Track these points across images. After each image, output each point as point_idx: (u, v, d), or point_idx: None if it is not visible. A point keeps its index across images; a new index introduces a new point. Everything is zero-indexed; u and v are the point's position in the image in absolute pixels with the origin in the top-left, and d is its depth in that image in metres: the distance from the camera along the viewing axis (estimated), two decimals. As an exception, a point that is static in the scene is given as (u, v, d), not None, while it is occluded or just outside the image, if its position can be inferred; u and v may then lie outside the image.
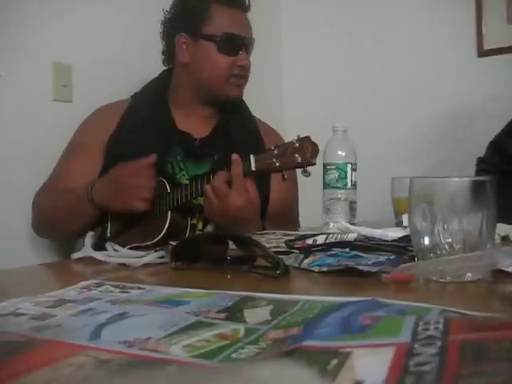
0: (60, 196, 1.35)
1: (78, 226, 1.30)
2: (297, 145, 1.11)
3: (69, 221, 1.33)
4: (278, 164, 1.12)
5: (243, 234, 1.18)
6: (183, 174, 1.37)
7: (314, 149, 1.11)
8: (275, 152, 1.12)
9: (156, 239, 1.17)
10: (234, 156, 1.14)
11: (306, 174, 1.11)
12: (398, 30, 2.25)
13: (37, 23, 1.54)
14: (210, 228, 1.32)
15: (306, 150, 1.10)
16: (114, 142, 1.38)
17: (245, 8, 1.41)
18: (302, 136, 1.12)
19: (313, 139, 1.12)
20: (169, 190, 1.23)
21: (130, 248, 1.16)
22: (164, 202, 1.23)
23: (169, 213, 1.21)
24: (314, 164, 1.12)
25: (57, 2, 1.59)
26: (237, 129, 1.43)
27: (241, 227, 1.15)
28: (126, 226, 1.26)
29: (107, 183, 1.24)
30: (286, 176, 1.13)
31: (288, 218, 1.48)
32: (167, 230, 1.19)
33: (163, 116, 1.41)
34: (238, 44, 1.36)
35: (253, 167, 1.13)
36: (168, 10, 1.43)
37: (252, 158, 1.13)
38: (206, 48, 1.37)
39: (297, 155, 1.11)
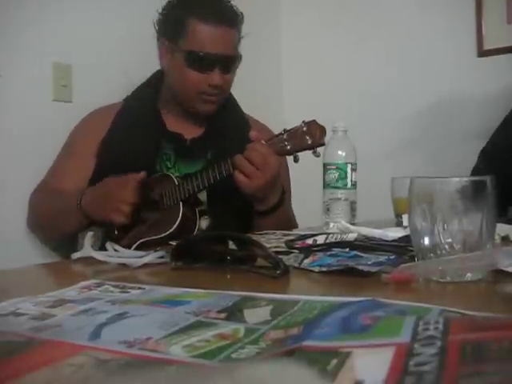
0: (52, 198, 1.39)
1: (67, 229, 1.34)
2: (305, 128, 1.17)
3: (59, 223, 1.36)
4: (289, 147, 1.19)
5: (273, 200, 1.25)
6: (173, 172, 1.39)
7: (322, 130, 1.17)
8: (284, 136, 1.19)
9: (170, 230, 1.21)
10: (253, 133, 1.22)
11: (316, 154, 1.18)
12: (398, 30, 2.25)
13: (37, 23, 1.54)
14: (203, 224, 1.34)
15: (315, 131, 1.17)
16: (105, 144, 1.41)
17: (227, 23, 1.34)
18: (307, 120, 1.18)
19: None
20: (177, 183, 1.27)
21: (142, 242, 1.20)
22: (173, 195, 1.26)
23: (181, 204, 1.24)
24: (324, 144, 1.18)
25: (57, 2, 1.59)
26: (229, 128, 1.45)
27: (276, 190, 1.26)
28: (134, 221, 1.28)
29: (95, 192, 1.28)
30: (298, 157, 1.19)
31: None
32: (180, 221, 1.23)
33: (153, 117, 1.43)
34: (209, 62, 1.33)
35: None
36: (160, 11, 1.41)
37: (263, 142, 1.19)
38: (178, 61, 1.36)
39: (307, 137, 1.17)
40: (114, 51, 1.69)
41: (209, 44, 1.33)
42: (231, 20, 1.36)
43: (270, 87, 2.45)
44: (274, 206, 1.28)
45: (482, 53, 2.09)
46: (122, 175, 1.28)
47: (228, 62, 1.36)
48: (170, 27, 1.37)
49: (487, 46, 2.07)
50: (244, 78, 2.16)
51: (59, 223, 1.36)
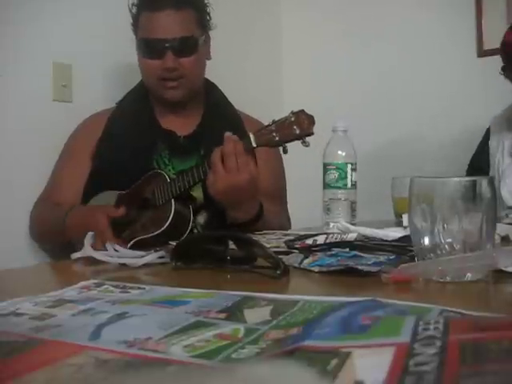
0: (49, 211, 1.40)
1: (61, 242, 1.34)
2: (293, 118, 1.15)
3: (53, 237, 1.38)
4: (277, 138, 1.16)
5: (243, 216, 1.22)
6: (169, 170, 1.39)
7: (310, 119, 1.15)
8: (273, 127, 1.16)
9: (163, 228, 1.21)
10: (227, 133, 1.17)
11: (306, 144, 1.15)
12: (398, 30, 2.25)
13: (37, 23, 1.54)
14: (200, 219, 1.34)
15: (303, 121, 1.14)
16: (100, 147, 1.42)
17: (172, 7, 1.34)
18: (295, 110, 1.16)
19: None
20: (168, 180, 1.27)
21: (136, 241, 1.19)
22: (165, 192, 1.26)
23: (172, 201, 1.24)
24: (312, 134, 1.15)
25: (57, 2, 1.59)
26: (221, 124, 1.44)
27: (243, 204, 1.20)
28: (129, 220, 1.28)
29: (78, 218, 1.26)
30: (287, 148, 1.16)
31: (275, 202, 1.46)
32: (172, 218, 1.22)
33: (146, 116, 1.44)
34: (158, 47, 1.34)
35: (253, 144, 1.16)
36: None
37: (251, 135, 1.17)
38: (138, 53, 1.41)
39: (295, 127, 1.14)
40: (114, 51, 1.69)
41: (154, 29, 1.35)
42: (178, 2, 1.35)
43: (271, 86, 2.45)
44: (241, 223, 1.23)
45: (482, 53, 2.08)
46: (115, 183, 1.30)
47: (180, 45, 1.35)
48: (133, 26, 1.42)
49: (487, 46, 2.07)
50: (244, 76, 2.17)
51: (53, 237, 1.37)
